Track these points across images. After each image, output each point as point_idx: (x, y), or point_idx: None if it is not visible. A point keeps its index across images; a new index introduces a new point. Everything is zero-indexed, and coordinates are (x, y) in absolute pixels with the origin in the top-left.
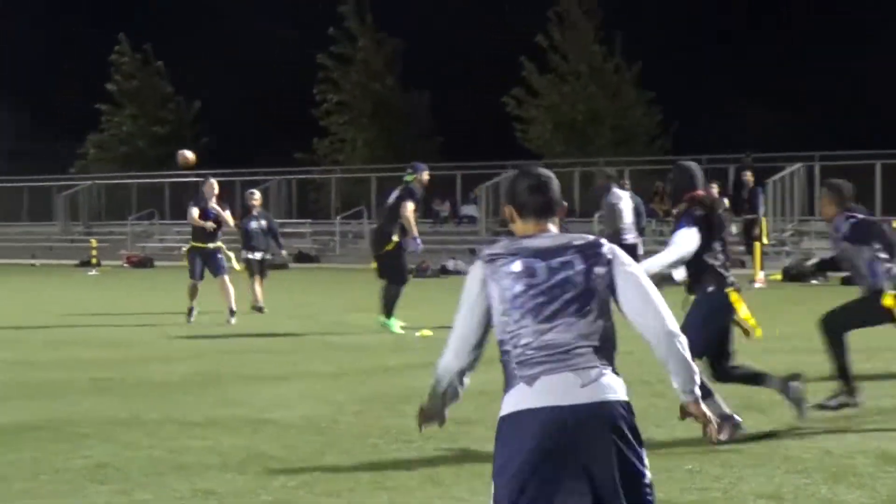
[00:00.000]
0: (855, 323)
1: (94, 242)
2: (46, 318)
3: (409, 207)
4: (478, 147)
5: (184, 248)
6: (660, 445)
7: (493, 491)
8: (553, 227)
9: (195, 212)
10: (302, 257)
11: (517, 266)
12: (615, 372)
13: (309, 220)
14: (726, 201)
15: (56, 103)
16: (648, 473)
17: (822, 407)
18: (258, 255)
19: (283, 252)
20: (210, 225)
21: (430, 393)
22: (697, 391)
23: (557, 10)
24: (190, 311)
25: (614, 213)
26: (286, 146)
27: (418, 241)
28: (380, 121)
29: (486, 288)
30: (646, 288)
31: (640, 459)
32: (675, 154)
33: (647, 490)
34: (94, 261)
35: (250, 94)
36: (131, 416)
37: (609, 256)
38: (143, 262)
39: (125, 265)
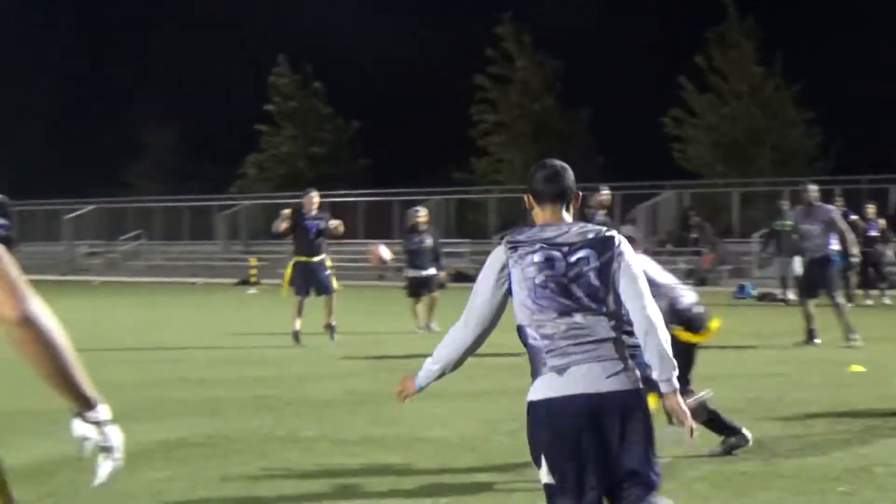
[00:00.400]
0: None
1: (253, 261)
2: (207, 336)
3: None
4: (637, 167)
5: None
6: (812, 467)
7: (544, 467)
8: (567, 215)
9: (282, 224)
10: (460, 277)
11: (538, 257)
12: (631, 361)
13: (468, 240)
14: (883, 222)
15: (216, 124)
16: (656, 457)
17: None
18: (423, 273)
19: (442, 273)
20: (282, 224)
21: (429, 372)
22: (675, 383)
23: (717, 31)
24: (296, 334)
25: (835, 227)
26: (444, 166)
27: None
28: (539, 141)
29: (506, 271)
30: (640, 283)
31: (650, 442)
32: (836, 174)
33: (655, 471)
34: (253, 279)
35: (408, 114)
36: (287, 433)
37: (619, 248)
38: None
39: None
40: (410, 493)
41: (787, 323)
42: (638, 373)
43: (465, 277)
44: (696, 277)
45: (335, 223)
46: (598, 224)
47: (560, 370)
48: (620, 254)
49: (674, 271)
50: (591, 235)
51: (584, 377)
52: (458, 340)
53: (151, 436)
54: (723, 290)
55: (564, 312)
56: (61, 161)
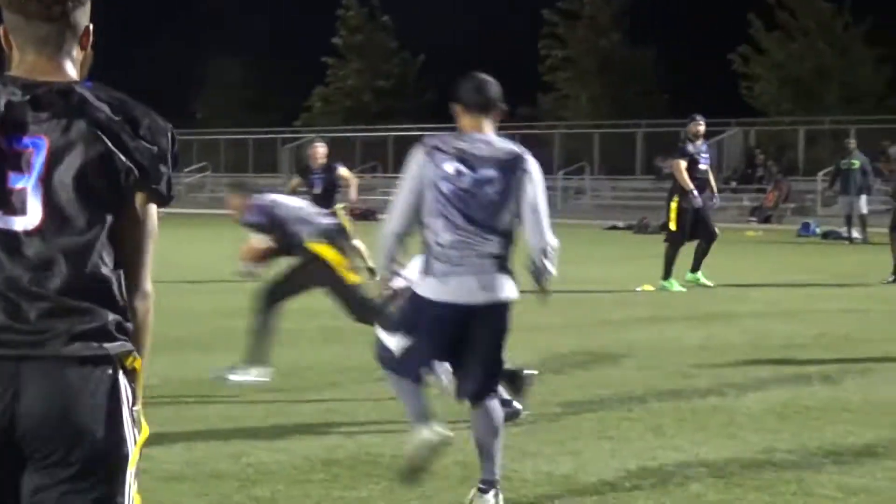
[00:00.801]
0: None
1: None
2: (273, 267)
3: (677, 165)
4: (703, 104)
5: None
6: (880, 401)
7: (398, 342)
8: (489, 126)
9: (294, 180)
10: None
11: (450, 167)
12: (508, 272)
13: None
14: None
15: (284, 57)
16: (504, 355)
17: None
18: None
19: None
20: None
21: (383, 264)
22: (544, 278)
23: None
24: None
25: None
26: (509, 101)
27: (695, 195)
28: (605, 77)
29: (422, 171)
30: (539, 202)
31: (502, 341)
32: None
33: (502, 363)
34: None
35: (474, 49)
36: (359, 363)
37: (526, 168)
38: (366, 215)
39: (348, 217)
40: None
41: (851, 261)
42: (513, 286)
43: None
44: (760, 215)
45: (345, 175)
46: (696, 151)
47: (444, 277)
48: (526, 173)
49: (738, 208)
50: (502, 154)
51: (462, 289)
52: (387, 235)
53: (225, 364)
54: (787, 228)
55: (460, 225)
56: (128, 93)
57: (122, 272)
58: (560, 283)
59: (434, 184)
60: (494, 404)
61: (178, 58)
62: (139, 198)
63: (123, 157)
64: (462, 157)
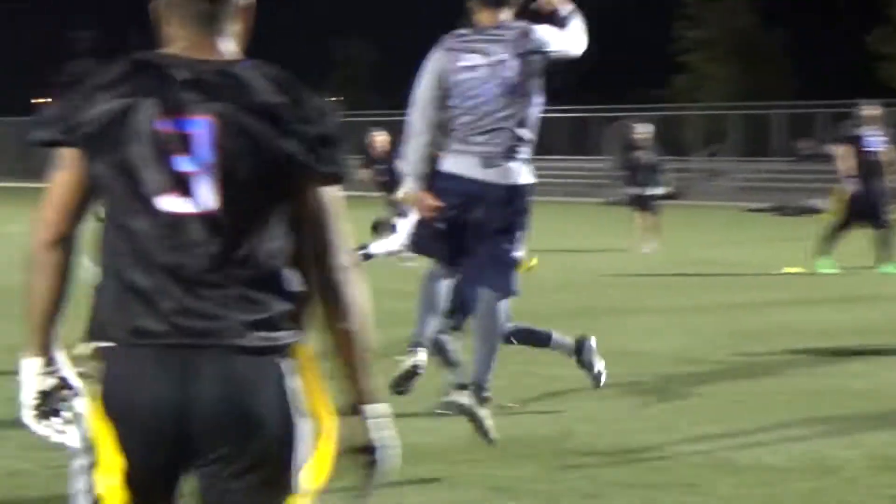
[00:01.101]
0: None
1: None
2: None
3: (837, 149)
4: (839, 85)
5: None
6: None
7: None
8: (505, 16)
9: (364, 172)
10: (663, 194)
11: (466, 62)
12: (523, 159)
13: (669, 157)
14: None
15: (405, 43)
16: (517, 250)
17: None
18: (642, 191)
19: (660, 190)
20: (365, 174)
21: (413, 173)
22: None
23: None
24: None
25: None
26: (644, 83)
27: (852, 180)
28: (740, 58)
29: (440, 66)
30: (552, 35)
31: (513, 229)
32: None
33: (511, 256)
34: None
35: (607, 31)
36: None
37: (534, 42)
38: None
39: None
40: (634, 402)
41: None
42: (522, 170)
43: (667, 195)
44: None
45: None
46: (862, 136)
47: (457, 154)
48: (536, 44)
49: None
50: (510, 36)
51: (468, 165)
52: (413, 122)
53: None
54: None
55: (474, 110)
56: None
57: (298, 259)
58: (705, 265)
59: (456, 77)
60: (501, 308)
61: (304, 40)
62: (311, 181)
63: (291, 140)
64: (474, 49)
